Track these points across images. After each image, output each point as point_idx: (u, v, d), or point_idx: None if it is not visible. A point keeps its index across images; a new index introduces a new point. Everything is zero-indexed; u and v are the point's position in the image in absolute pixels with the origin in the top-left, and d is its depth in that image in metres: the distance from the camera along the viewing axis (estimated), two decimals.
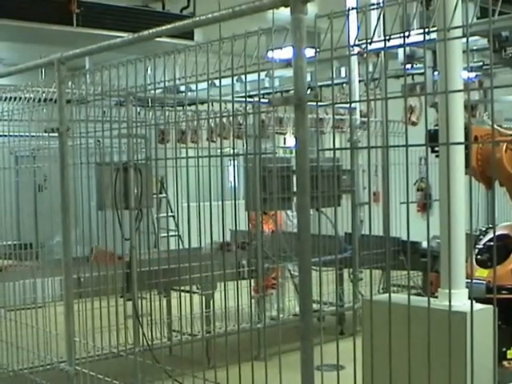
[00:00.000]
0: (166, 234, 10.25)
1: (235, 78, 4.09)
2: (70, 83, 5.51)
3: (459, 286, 4.33)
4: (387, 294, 3.52)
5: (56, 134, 5.34)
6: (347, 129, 9.74)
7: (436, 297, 4.37)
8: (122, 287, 6.67)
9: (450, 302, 3.38)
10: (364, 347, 4.06)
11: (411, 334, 3.45)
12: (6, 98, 6.27)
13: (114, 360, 5.64)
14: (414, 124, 9.62)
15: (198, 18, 4.18)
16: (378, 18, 3.45)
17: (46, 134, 6.03)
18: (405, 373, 3.46)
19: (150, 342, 5.70)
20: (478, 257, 5.76)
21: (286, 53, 3.59)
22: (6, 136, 6.62)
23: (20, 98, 6.12)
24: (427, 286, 5.29)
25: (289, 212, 9.31)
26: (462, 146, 4.40)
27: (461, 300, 4.17)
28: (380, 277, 9.19)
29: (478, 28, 7.46)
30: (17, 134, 6.66)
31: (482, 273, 5.60)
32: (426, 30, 3.27)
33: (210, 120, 6.64)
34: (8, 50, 13.69)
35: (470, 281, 4.55)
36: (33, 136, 6.43)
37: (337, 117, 9.74)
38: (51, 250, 8.77)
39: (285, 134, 9.75)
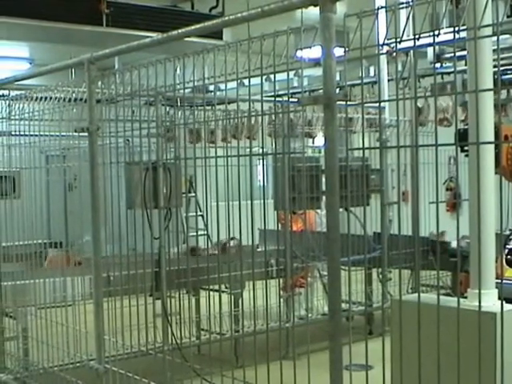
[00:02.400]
0: (194, 233, 10.27)
1: (264, 77, 4.09)
2: (99, 83, 5.54)
3: (489, 286, 4.30)
4: (416, 294, 3.51)
5: (86, 134, 5.37)
6: (376, 128, 9.71)
7: (465, 297, 4.35)
8: (151, 286, 6.70)
9: (479, 302, 3.36)
10: (393, 347, 4.05)
11: (440, 334, 3.44)
12: (36, 98, 6.32)
13: (142, 358, 5.67)
14: (447, 123, 9.55)
15: (227, 18, 4.19)
16: (408, 17, 3.44)
17: (76, 134, 6.06)
18: (434, 373, 3.44)
19: (178, 341, 5.71)
20: (508, 257, 5.73)
21: (315, 52, 3.58)
22: (36, 136, 6.67)
23: (50, 98, 6.16)
24: (457, 286, 5.26)
25: (318, 211, 9.29)
26: (492, 146, 4.37)
27: (491, 300, 4.14)
28: (409, 277, 9.14)
29: (508, 26, 7.41)
30: (47, 133, 6.71)
31: None
32: (456, 28, 3.25)
33: (238, 119, 6.65)
34: (38, 50, 13.79)
35: (499, 281, 4.52)
36: (63, 135, 6.47)
37: (366, 116, 9.71)
38: (81, 249, 8.82)
39: (314, 136, 9.74)
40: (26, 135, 6.65)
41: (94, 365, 5.35)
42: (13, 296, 6.82)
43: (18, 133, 6.71)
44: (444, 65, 9.99)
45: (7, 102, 6.77)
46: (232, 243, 7.32)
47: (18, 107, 6.62)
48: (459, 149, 4.46)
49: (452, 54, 9.04)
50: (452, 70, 9.78)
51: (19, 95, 6.65)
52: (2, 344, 6.96)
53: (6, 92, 6.83)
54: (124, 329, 5.42)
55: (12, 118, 6.70)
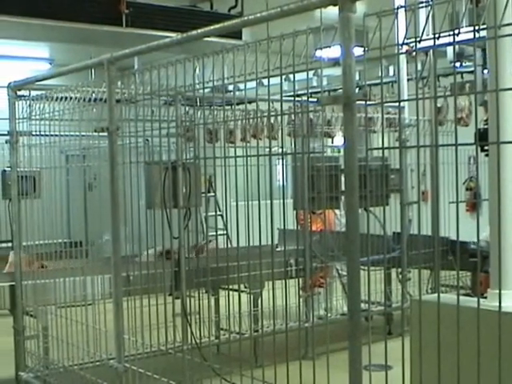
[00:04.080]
0: (214, 233, 10.29)
1: (283, 77, 4.09)
2: (119, 83, 5.56)
3: (509, 287, 4.27)
4: (436, 294, 3.50)
5: (106, 134, 5.40)
6: (397, 128, 9.69)
7: (485, 297, 4.33)
8: (170, 285, 6.72)
9: (499, 302, 3.34)
10: (412, 347, 4.03)
11: (460, 334, 3.42)
12: (57, 98, 6.35)
13: (162, 358, 5.68)
14: (463, 123, 9.51)
15: (246, 18, 4.19)
16: (427, 16, 3.43)
17: (96, 134, 6.08)
18: (453, 374, 3.43)
19: (198, 340, 5.72)
20: None
21: (335, 52, 3.58)
22: (57, 135, 6.70)
23: (71, 98, 6.19)
24: (476, 287, 5.24)
25: (337, 211, 9.28)
26: None
27: (511, 301, 4.12)
28: (428, 277, 9.12)
29: None
30: (67, 133, 6.74)
31: None
32: (476, 27, 3.24)
33: (257, 119, 6.66)
34: (58, 50, 13.86)
35: None
36: (83, 135, 6.50)
37: (385, 116, 9.69)
38: (101, 248, 8.86)
39: (333, 136, 9.73)
40: (47, 135, 6.68)
41: (113, 364, 5.37)
42: (33, 295, 6.86)
43: (38, 133, 6.74)
44: (464, 64, 9.96)
45: (28, 102, 6.80)
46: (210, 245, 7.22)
47: (39, 107, 6.66)
48: (479, 148, 4.44)
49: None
50: (472, 69, 9.74)
51: (40, 95, 6.69)
52: (22, 342, 7.01)
53: (26, 92, 6.87)
54: (143, 328, 5.43)
55: (32, 118, 6.74)
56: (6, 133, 7.09)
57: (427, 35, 3.39)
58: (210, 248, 7.37)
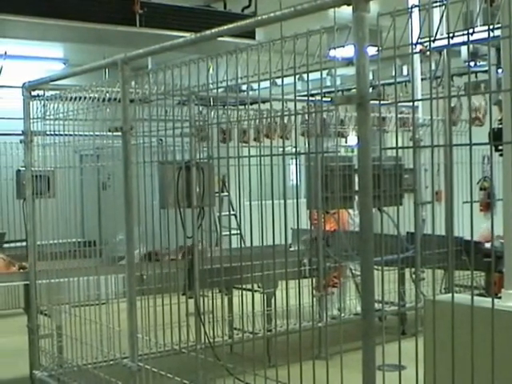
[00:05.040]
0: (227, 233, 10.29)
1: (297, 76, 4.09)
2: (133, 83, 5.57)
3: None
4: (450, 295, 3.49)
5: (119, 133, 5.41)
6: (410, 127, 9.67)
7: (499, 297, 4.32)
8: (183, 285, 6.73)
9: None
10: (426, 348, 4.03)
11: (474, 334, 3.42)
12: (71, 98, 6.37)
13: (175, 357, 5.69)
14: (478, 123, 9.48)
15: (260, 18, 4.20)
16: (441, 16, 3.42)
17: (110, 133, 6.10)
18: (468, 374, 3.42)
19: (211, 340, 5.73)
20: None
21: (348, 51, 3.58)
22: (71, 135, 6.72)
23: (85, 98, 6.21)
24: (490, 287, 5.23)
25: (350, 211, 9.27)
26: None
27: None
28: (442, 277, 9.10)
29: None
30: (81, 133, 6.76)
31: None
32: (491, 26, 3.23)
33: (271, 119, 6.66)
34: (72, 50, 13.89)
35: None
36: (97, 135, 6.51)
37: (399, 115, 9.67)
38: (114, 248, 8.88)
39: (346, 135, 9.72)
40: (61, 135, 6.70)
41: (127, 363, 5.38)
42: (47, 294, 6.88)
43: (52, 132, 6.76)
44: (478, 63, 9.94)
45: (42, 102, 6.83)
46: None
47: (53, 107, 6.67)
48: (493, 148, 4.42)
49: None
50: (486, 68, 9.72)
51: (54, 95, 6.70)
52: (37, 341, 7.04)
53: (41, 92, 6.89)
54: (157, 327, 5.44)
55: (47, 117, 6.76)
56: (20, 132, 7.12)
57: (441, 34, 3.39)
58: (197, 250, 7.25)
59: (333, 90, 10.13)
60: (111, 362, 6.30)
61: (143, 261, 7.14)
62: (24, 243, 7.93)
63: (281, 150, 4.68)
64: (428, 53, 7.71)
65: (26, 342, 7.17)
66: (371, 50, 3.39)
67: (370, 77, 3.62)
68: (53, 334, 7.02)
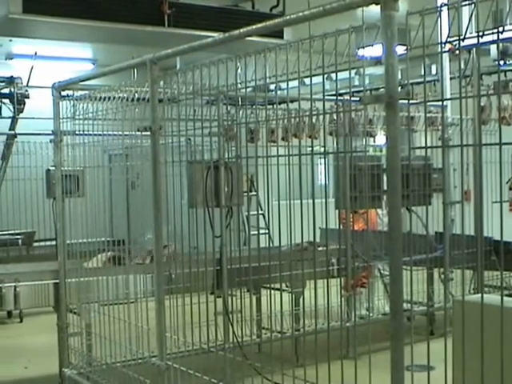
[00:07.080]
0: (256, 232, 10.29)
1: (325, 76, 4.09)
2: (161, 83, 5.59)
3: None
4: (479, 295, 3.47)
5: (148, 133, 5.43)
6: (439, 127, 9.63)
7: None
8: (212, 284, 6.73)
9: None
10: (455, 348, 4.00)
11: (503, 335, 3.39)
12: (100, 98, 6.40)
13: (203, 356, 5.70)
14: (505, 122, 9.41)
15: (288, 17, 4.19)
16: (471, 14, 3.40)
17: (139, 133, 6.12)
18: (497, 375, 3.40)
19: (239, 339, 5.74)
20: None
21: (377, 50, 3.57)
22: (100, 135, 6.76)
23: (114, 98, 6.24)
24: None
25: (379, 211, 9.25)
26: None
27: None
28: (471, 277, 9.04)
29: None
30: (110, 132, 6.80)
31: None
32: None
33: (299, 118, 6.65)
34: (101, 51, 13.97)
35: None
36: (126, 135, 6.54)
37: (428, 115, 9.63)
38: (143, 247, 8.91)
39: (374, 135, 9.69)
40: (90, 134, 6.74)
41: (155, 361, 5.40)
42: (77, 293, 6.93)
43: (81, 132, 6.80)
44: (507, 62, 9.86)
45: (72, 102, 6.87)
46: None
47: (82, 107, 6.71)
48: None
49: None
50: None
51: (83, 95, 6.74)
52: (66, 339, 7.08)
53: (70, 92, 6.94)
54: (185, 326, 5.46)
55: (76, 117, 6.80)
56: (50, 132, 7.18)
57: (470, 33, 3.37)
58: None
59: (361, 89, 10.12)
60: (140, 361, 6.33)
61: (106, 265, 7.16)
62: (53, 242, 7.98)
63: (309, 149, 4.68)
64: (457, 52, 7.68)
65: (56, 340, 7.23)
66: (400, 49, 3.38)
67: (399, 76, 3.61)
68: (82, 332, 7.06)
